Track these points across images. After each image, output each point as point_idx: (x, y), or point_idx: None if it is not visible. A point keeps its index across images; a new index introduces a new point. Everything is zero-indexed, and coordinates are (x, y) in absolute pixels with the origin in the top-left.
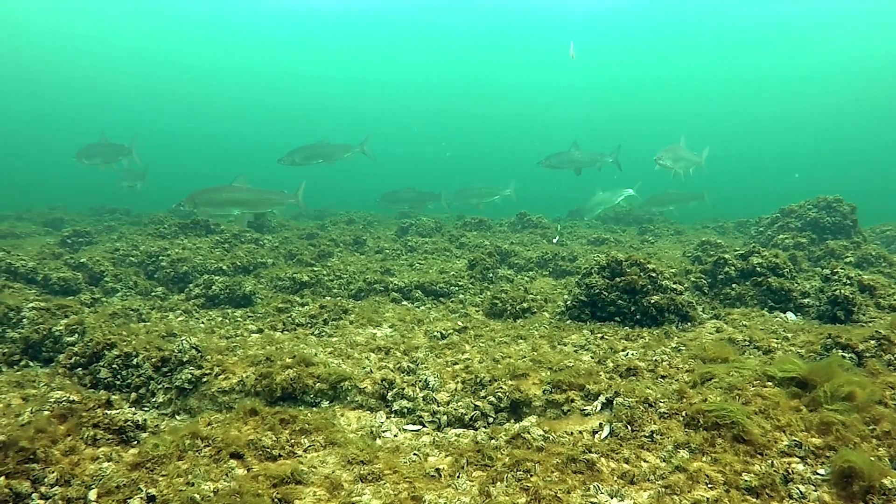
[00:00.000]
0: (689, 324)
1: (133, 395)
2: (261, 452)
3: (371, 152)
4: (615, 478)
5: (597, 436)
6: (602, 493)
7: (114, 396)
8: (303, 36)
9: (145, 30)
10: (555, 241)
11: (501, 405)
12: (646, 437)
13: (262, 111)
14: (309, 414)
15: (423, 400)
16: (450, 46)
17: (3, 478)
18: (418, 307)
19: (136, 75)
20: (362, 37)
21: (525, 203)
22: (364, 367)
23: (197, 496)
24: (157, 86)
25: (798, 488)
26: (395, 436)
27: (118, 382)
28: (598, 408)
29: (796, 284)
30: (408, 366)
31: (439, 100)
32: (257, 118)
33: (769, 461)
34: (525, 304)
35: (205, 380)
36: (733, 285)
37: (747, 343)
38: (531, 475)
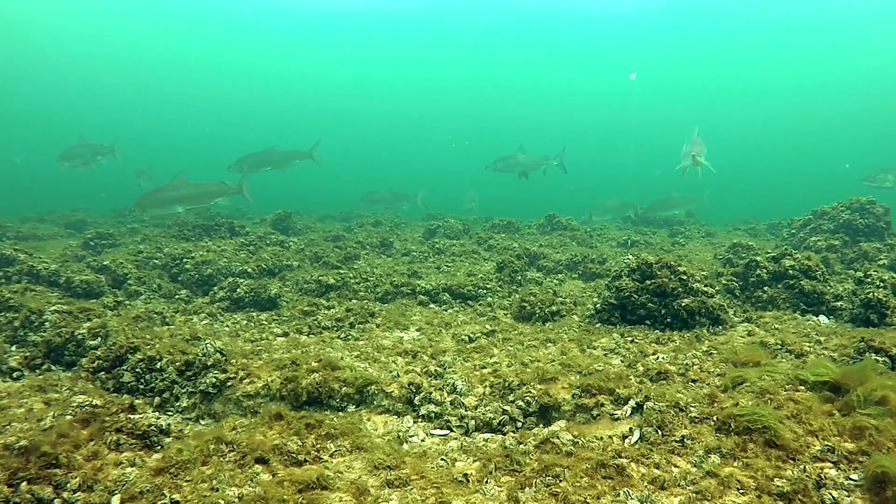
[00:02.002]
0: (720, 327)
1: (157, 399)
2: (286, 457)
3: (319, 158)
4: (645, 483)
5: (627, 440)
6: (632, 498)
7: (137, 401)
8: (308, 37)
9: (164, 33)
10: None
11: (530, 409)
12: (676, 441)
13: (277, 114)
14: (335, 418)
15: (451, 404)
16: (470, 48)
17: (25, 483)
18: (446, 310)
19: (153, 77)
20: (375, 38)
21: (551, 204)
22: (391, 371)
23: (221, 502)
24: (175, 88)
25: (830, 494)
26: (422, 440)
27: (142, 386)
28: (629, 412)
29: (829, 287)
30: (435, 370)
31: (458, 102)
32: (272, 121)
33: (801, 466)
34: (554, 308)
35: (229, 384)
36: (765, 288)
37: (779, 346)
38: (560, 480)
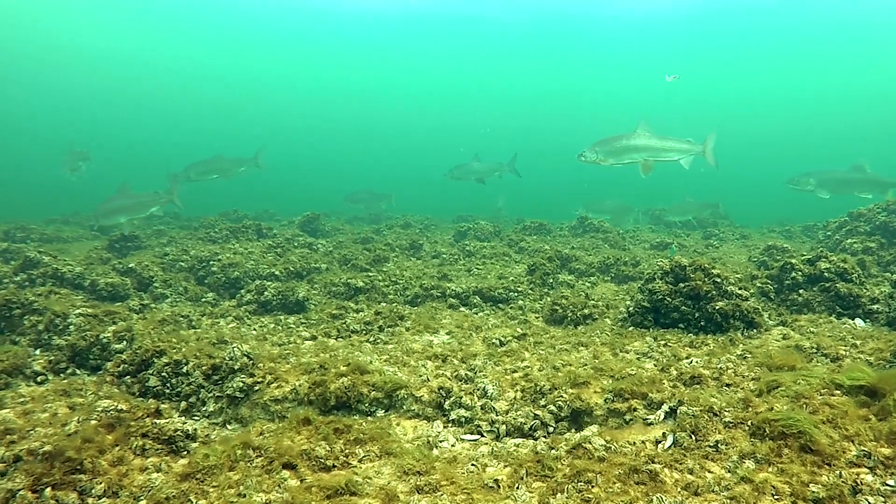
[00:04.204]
0: (754, 330)
1: (183, 403)
2: (314, 463)
3: (264, 165)
4: (679, 489)
5: (660, 446)
6: None
7: (163, 405)
8: (322, 41)
9: (187, 42)
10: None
11: (562, 414)
12: (710, 447)
13: (290, 118)
14: (364, 423)
15: (482, 409)
16: (486, 51)
17: (49, 489)
18: (476, 313)
19: (180, 84)
20: (394, 41)
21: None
22: (420, 376)
23: None
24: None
25: (867, 500)
26: (452, 446)
27: (167, 391)
28: (662, 417)
29: (865, 290)
30: (465, 374)
31: (479, 106)
32: (285, 125)
33: (837, 472)
34: (586, 311)
35: (257, 388)
36: (800, 291)
37: (815, 350)
38: (592, 486)
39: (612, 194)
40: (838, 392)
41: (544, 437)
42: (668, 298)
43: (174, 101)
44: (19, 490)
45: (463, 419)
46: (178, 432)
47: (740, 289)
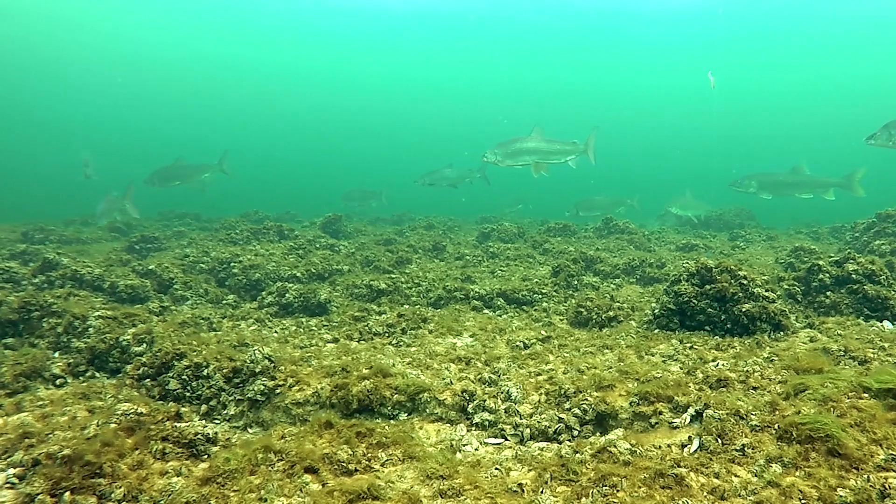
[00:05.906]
0: (781, 333)
1: (203, 407)
2: (336, 467)
3: (229, 170)
4: (705, 493)
5: (686, 449)
6: None
7: (183, 408)
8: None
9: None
10: None
11: (586, 418)
12: (737, 450)
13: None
14: (386, 427)
15: (506, 412)
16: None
17: (68, 493)
18: (500, 316)
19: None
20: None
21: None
22: (443, 378)
23: None
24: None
25: None
26: (475, 449)
27: (188, 394)
28: (687, 420)
29: (893, 292)
30: (489, 377)
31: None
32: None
33: (865, 476)
34: (611, 313)
35: (278, 391)
36: (828, 293)
37: (842, 353)
38: (617, 490)
39: (622, 194)
40: (866, 395)
41: (569, 440)
42: (694, 300)
43: (198, 98)
44: (38, 494)
45: (486, 423)
46: (199, 436)
47: (767, 291)
